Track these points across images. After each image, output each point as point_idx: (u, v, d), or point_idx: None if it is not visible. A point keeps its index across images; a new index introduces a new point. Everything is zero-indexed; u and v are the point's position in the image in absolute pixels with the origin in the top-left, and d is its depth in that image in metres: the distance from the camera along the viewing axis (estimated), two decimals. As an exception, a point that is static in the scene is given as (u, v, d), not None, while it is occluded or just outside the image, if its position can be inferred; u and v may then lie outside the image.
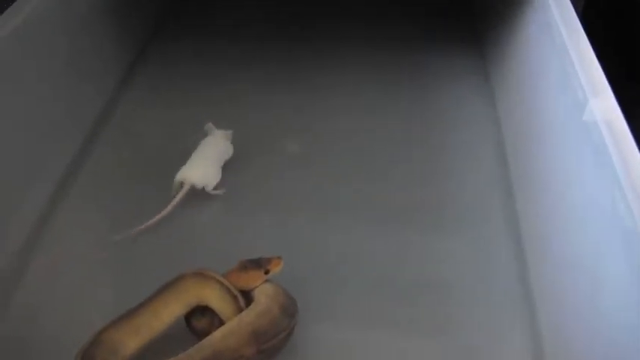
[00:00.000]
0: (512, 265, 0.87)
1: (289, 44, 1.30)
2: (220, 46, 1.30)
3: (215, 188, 0.96)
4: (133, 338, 0.71)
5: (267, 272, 0.75)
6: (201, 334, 0.72)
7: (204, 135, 1.02)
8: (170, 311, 0.73)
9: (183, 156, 0.98)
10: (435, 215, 0.95)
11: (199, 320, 0.74)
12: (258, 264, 0.75)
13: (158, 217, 0.91)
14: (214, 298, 0.73)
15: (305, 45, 1.30)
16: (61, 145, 1.01)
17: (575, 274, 0.72)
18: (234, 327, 0.70)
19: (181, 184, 0.93)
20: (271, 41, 1.30)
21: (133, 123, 1.12)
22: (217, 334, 0.70)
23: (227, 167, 1.00)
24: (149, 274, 0.80)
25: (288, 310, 0.73)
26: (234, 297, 0.73)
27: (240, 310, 0.72)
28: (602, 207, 0.66)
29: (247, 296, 0.74)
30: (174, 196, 0.92)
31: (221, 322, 0.72)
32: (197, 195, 0.94)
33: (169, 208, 0.91)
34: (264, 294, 0.73)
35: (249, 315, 0.71)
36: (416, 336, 0.79)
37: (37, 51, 0.95)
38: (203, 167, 0.96)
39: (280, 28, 1.35)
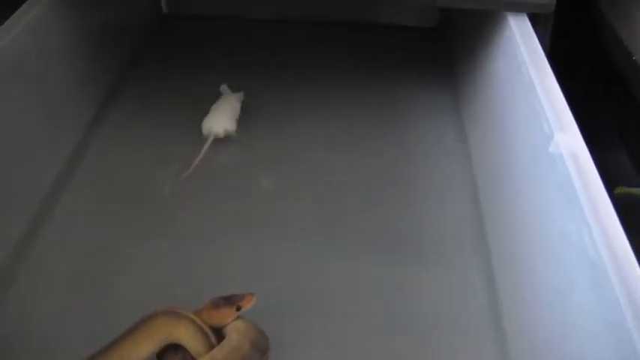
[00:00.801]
0: (483, 298, 0.88)
1: (263, 83, 1.31)
2: (194, 84, 1.31)
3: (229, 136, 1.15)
4: (104, 377, 0.72)
5: (238, 309, 0.75)
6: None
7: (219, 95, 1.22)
8: (142, 350, 0.73)
9: (156, 193, 1.02)
10: (407, 249, 0.96)
11: (171, 358, 0.74)
12: (230, 301, 0.75)
13: (196, 161, 1.08)
14: (186, 335, 0.73)
15: (280, 82, 1.31)
16: (35, 178, 1.02)
17: (545, 305, 0.73)
18: (206, 364, 0.70)
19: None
20: (246, 79, 1.30)
21: (106, 160, 1.12)
22: (188, 372, 0.70)
23: (203, 200, 1.03)
24: (131, 300, 0.81)
25: (260, 346, 0.73)
26: (206, 334, 0.73)
27: (211, 347, 0.72)
28: (570, 239, 0.67)
29: (219, 333, 0.74)
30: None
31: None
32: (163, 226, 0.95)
33: (202, 152, 1.10)
34: (235, 330, 0.74)
35: (220, 352, 0.71)
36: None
37: (8, 88, 0.96)
38: (224, 118, 1.15)
39: (256, 66, 1.36)
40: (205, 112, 1.17)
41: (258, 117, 1.22)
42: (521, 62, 0.90)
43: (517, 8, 1.01)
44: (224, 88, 1.23)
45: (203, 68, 1.37)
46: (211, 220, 1.01)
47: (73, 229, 0.99)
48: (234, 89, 1.23)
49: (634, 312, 0.54)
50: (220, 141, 1.14)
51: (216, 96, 1.22)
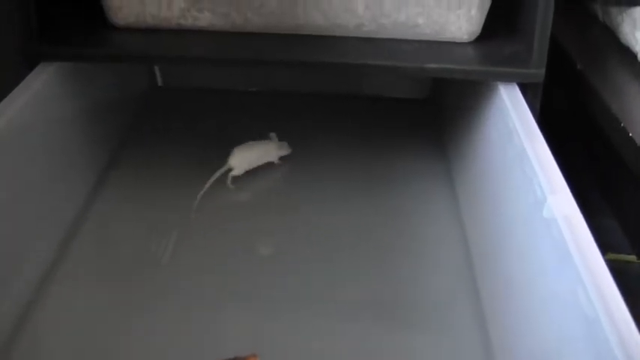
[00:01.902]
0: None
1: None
2: (189, 153, 1.34)
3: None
4: None
5: (243, 371, 0.76)
6: None
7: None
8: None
9: (154, 260, 1.04)
10: (401, 314, 0.97)
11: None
12: None
13: (207, 185, 1.17)
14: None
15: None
16: (36, 248, 1.02)
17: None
18: None
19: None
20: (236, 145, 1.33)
21: (106, 229, 1.14)
22: None
23: (201, 267, 1.04)
24: None
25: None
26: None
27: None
28: (565, 299, 0.68)
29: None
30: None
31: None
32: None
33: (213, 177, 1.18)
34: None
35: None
36: None
37: (9, 161, 0.97)
38: (248, 158, 1.24)
39: (249, 137, 1.38)
40: (201, 179, 1.20)
41: (254, 179, 1.25)
42: (513, 130, 0.92)
43: (508, 78, 1.03)
44: (272, 135, 1.29)
45: (198, 138, 1.39)
46: (210, 286, 1.02)
47: (72, 298, 0.99)
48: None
49: (631, 367, 0.55)
50: (219, 203, 1.18)
51: (211, 165, 1.24)
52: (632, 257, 1.27)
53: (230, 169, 1.21)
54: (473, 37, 1.10)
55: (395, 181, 1.27)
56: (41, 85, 1.05)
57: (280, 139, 1.31)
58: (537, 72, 1.02)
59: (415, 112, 1.51)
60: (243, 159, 1.23)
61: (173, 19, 1.10)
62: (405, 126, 1.44)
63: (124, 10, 1.10)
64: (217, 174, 1.19)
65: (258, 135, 1.32)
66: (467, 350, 0.92)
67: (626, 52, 1.18)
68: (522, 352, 0.81)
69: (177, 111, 1.51)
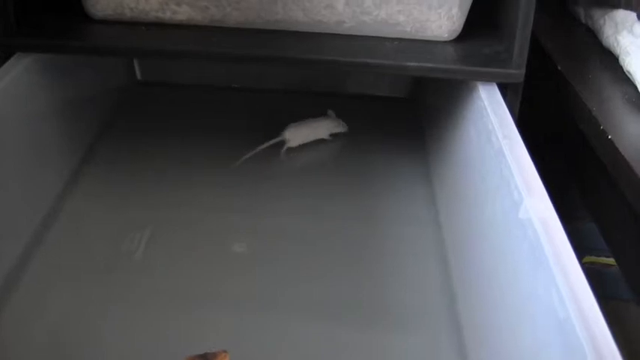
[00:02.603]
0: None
1: (236, 148, 1.32)
2: (167, 149, 1.33)
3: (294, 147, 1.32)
4: None
5: (214, 367, 0.75)
6: None
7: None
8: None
9: (128, 254, 1.03)
10: (376, 317, 0.97)
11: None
12: (205, 359, 0.75)
13: (250, 154, 1.26)
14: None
15: (253, 145, 1.32)
16: (7, 243, 1.02)
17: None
18: None
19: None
20: (219, 145, 1.33)
21: (79, 224, 1.13)
22: None
23: (176, 264, 1.02)
24: None
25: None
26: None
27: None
28: (538, 300, 0.68)
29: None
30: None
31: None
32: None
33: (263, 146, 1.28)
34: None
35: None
36: None
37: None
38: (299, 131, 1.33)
39: (230, 133, 1.38)
40: (179, 176, 1.20)
41: (228, 182, 1.24)
42: (491, 130, 0.92)
43: (487, 78, 1.03)
44: (330, 112, 1.37)
45: (176, 134, 1.38)
46: (182, 283, 1.01)
47: (43, 295, 0.98)
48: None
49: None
50: (195, 200, 1.18)
51: (187, 160, 1.24)
52: (611, 260, 1.27)
53: (283, 142, 1.31)
54: (454, 36, 1.10)
55: (373, 179, 1.27)
56: (15, 77, 1.04)
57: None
58: (517, 72, 1.02)
59: (395, 110, 1.51)
60: (296, 133, 1.32)
61: (151, 12, 1.09)
62: (385, 124, 1.44)
63: (102, 2, 1.08)
64: (269, 144, 1.29)
65: (235, 131, 1.32)
66: (441, 351, 0.92)
67: (608, 54, 1.18)
68: (496, 353, 0.81)
69: (156, 106, 1.50)
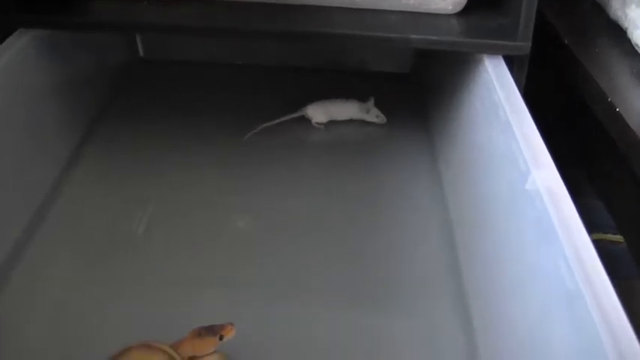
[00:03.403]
0: (460, 338, 0.89)
1: (238, 126, 1.31)
2: (169, 127, 1.32)
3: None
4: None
5: (221, 338, 0.75)
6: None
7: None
8: (116, 384, 0.72)
9: (130, 232, 1.02)
10: (381, 293, 0.97)
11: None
12: (212, 331, 0.75)
13: (267, 124, 1.28)
14: (161, 370, 0.73)
15: (254, 123, 1.31)
16: (8, 222, 1.01)
17: (523, 340, 0.73)
18: (181, 398, 0.70)
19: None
20: (222, 123, 1.32)
21: (81, 203, 1.12)
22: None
23: (177, 241, 1.02)
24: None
25: (235, 380, 0.73)
26: (181, 368, 0.72)
27: (187, 381, 0.72)
28: (546, 272, 0.67)
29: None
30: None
31: (168, 395, 0.72)
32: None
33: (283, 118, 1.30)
34: (210, 365, 0.73)
35: (196, 386, 0.71)
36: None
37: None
38: (329, 111, 1.34)
39: (231, 111, 1.37)
40: (182, 156, 1.20)
41: (231, 161, 1.23)
42: (498, 103, 0.91)
43: (493, 51, 1.02)
44: (371, 99, 1.35)
45: (178, 112, 1.37)
46: (185, 262, 1.01)
47: (46, 270, 0.98)
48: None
49: (613, 341, 0.54)
50: (198, 180, 1.16)
51: (190, 139, 1.24)
52: (619, 237, 1.26)
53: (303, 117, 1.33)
54: (458, 9, 1.08)
55: (376, 156, 1.26)
56: (16, 53, 1.03)
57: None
58: (523, 45, 1.00)
59: (398, 86, 1.50)
60: (318, 110, 1.33)
61: (153, -14, 1.08)
62: (388, 100, 1.42)
63: (103, -23, 1.07)
64: (289, 117, 1.32)
65: (238, 109, 1.32)
66: (447, 327, 0.91)
67: (615, 28, 1.16)
68: (504, 327, 0.80)
69: (158, 84, 1.49)
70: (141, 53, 1.57)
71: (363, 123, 1.35)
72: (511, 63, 1.01)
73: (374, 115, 1.35)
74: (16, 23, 1.06)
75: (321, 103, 1.34)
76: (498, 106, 0.91)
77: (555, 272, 0.64)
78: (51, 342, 0.87)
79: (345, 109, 1.35)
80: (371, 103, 1.34)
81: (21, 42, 1.04)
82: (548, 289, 0.66)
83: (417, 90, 1.48)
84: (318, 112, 1.33)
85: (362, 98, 1.35)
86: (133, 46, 1.56)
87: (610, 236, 1.29)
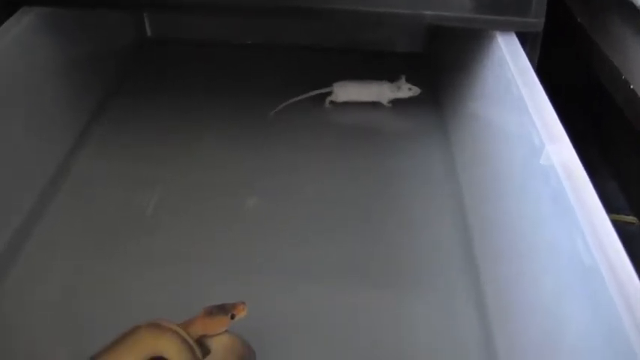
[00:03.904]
0: (473, 319, 0.88)
1: (247, 105, 1.31)
2: (177, 106, 1.31)
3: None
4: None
5: (232, 317, 0.74)
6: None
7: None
8: (124, 365, 0.71)
9: (138, 212, 1.01)
10: (395, 268, 0.96)
11: (155, 372, 0.73)
12: (224, 309, 0.74)
13: (292, 100, 1.27)
14: (170, 349, 0.72)
15: (265, 106, 1.30)
16: (17, 200, 1.00)
17: (537, 317, 0.72)
18: (191, 377, 0.69)
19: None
20: (230, 103, 1.31)
21: (88, 181, 1.11)
22: (174, 385, 0.68)
23: (187, 220, 1.01)
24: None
25: (246, 359, 0.72)
26: (191, 347, 0.71)
27: (197, 361, 0.71)
28: (561, 248, 0.66)
29: (204, 347, 0.72)
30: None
31: (177, 374, 0.71)
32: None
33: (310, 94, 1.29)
34: (221, 345, 0.72)
35: (206, 366, 0.70)
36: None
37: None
38: (355, 91, 1.32)
39: (240, 90, 1.36)
40: (191, 135, 1.20)
41: (240, 140, 1.22)
42: (510, 79, 0.90)
43: (506, 27, 1.00)
44: (402, 77, 1.32)
45: (187, 91, 1.36)
46: (194, 241, 1.00)
47: (53, 249, 0.97)
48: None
49: (631, 316, 0.53)
50: (207, 160, 1.16)
51: (199, 120, 1.24)
52: (633, 218, 1.25)
53: (330, 93, 1.32)
54: (471, -14, 1.07)
55: (389, 134, 1.26)
56: (21, 31, 1.02)
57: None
58: (536, 21, 0.99)
59: (410, 65, 1.48)
60: (344, 90, 1.32)
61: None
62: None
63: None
64: (317, 92, 1.31)
65: (248, 89, 1.31)
66: (460, 305, 0.90)
67: (628, 4, 1.14)
68: (517, 304, 0.79)
69: (166, 64, 1.48)
70: (149, 33, 1.56)
71: (376, 103, 1.34)
72: (524, 40, 0.99)
73: (406, 89, 1.32)
74: (19, 1, 1.04)
75: (350, 81, 1.32)
76: (511, 82, 0.89)
77: (571, 248, 0.63)
78: (60, 319, 0.86)
79: (374, 90, 1.33)
80: (402, 80, 1.32)
81: (24, 20, 1.03)
82: (564, 264, 0.65)
83: (429, 69, 1.46)
84: (343, 90, 1.32)
85: (375, 78, 1.34)
86: (140, 25, 1.55)
87: (623, 217, 1.27)
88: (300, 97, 1.28)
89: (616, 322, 0.53)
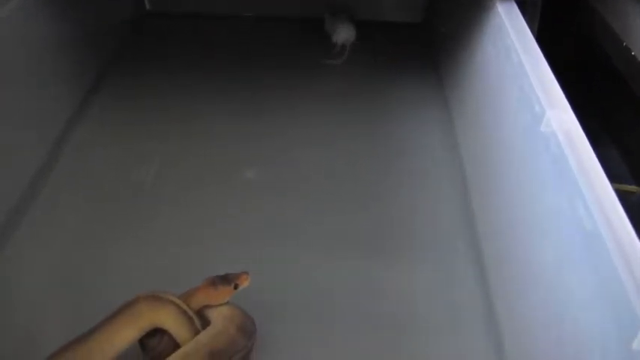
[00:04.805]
0: (474, 286, 0.88)
1: (245, 77, 1.30)
2: (175, 80, 1.30)
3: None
4: (85, 363, 0.69)
5: (236, 287, 0.73)
6: (157, 358, 0.70)
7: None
8: (124, 336, 0.71)
9: (138, 184, 1.02)
10: (394, 240, 0.96)
11: (154, 343, 0.72)
12: (227, 280, 0.74)
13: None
14: (170, 320, 0.71)
15: (262, 78, 1.30)
16: (17, 173, 1.00)
17: (539, 282, 0.72)
18: (192, 348, 0.69)
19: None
20: (228, 76, 1.30)
21: (86, 155, 1.11)
22: (174, 357, 0.68)
23: (184, 193, 1.02)
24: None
25: (246, 329, 0.72)
26: (190, 319, 0.71)
27: (196, 332, 0.70)
28: (562, 214, 0.65)
29: (204, 319, 0.72)
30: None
31: (177, 345, 0.70)
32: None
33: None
34: (221, 315, 0.72)
35: (205, 336, 0.70)
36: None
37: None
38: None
39: (239, 63, 1.35)
40: (189, 107, 1.19)
41: (239, 109, 1.22)
42: (510, 47, 0.89)
43: (506, -6, 0.99)
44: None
45: (184, 65, 1.36)
46: (193, 213, 1.00)
47: (53, 222, 0.97)
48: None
49: (633, 279, 0.52)
50: (205, 131, 1.16)
51: (198, 92, 1.23)
52: (634, 187, 1.24)
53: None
54: (470, -48, 1.06)
55: (387, 104, 1.25)
56: (20, 5, 1.01)
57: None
58: (536, -12, 0.98)
59: (410, 36, 1.48)
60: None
61: None
62: (399, 50, 1.41)
63: None
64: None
65: (247, 61, 1.30)
66: (461, 273, 0.90)
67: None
68: (518, 270, 0.79)
69: (165, 37, 1.47)
70: (147, 6, 1.55)
71: (379, 71, 1.34)
72: (524, 8, 0.98)
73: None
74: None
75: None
76: (510, 48, 0.89)
77: (573, 214, 0.62)
78: (60, 288, 0.87)
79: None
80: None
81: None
82: (566, 230, 0.65)
83: (428, 39, 1.46)
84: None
85: (376, 48, 1.37)
86: (139, -1, 1.54)
87: (625, 186, 1.26)
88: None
89: (618, 287, 0.52)
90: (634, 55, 0.94)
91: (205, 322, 0.72)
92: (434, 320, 0.84)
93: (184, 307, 0.71)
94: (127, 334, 0.71)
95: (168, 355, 0.69)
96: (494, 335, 0.81)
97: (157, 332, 0.72)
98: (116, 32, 1.42)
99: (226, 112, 1.21)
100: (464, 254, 0.93)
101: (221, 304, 0.73)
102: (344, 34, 1.36)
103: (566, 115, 0.72)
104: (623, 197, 1.26)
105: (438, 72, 1.33)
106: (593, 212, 0.59)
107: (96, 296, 0.84)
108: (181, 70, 1.33)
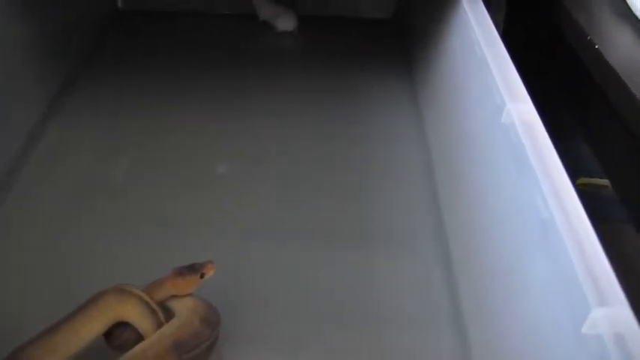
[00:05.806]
0: (440, 276, 0.89)
1: (219, 78, 1.30)
2: (147, 78, 1.30)
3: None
4: (50, 356, 0.69)
5: (202, 276, 0.74)
6: (121, 347, 0.70)
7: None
8: (89, 329, 0.71)
9: (110, 178, 1.03)
10: (363, 230, 0.97)
11: (119, 336, 0.73)
12: (194, 269, 0.74)
13: None
14: (134, 313, 0.72)
15: (237, 75, 1.31)
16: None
17: (500, 272, 0.73)
18: (155, 340, 0.69)
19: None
20: (201, 75, 1.31)
21: (59, 150, 1.11)
22: (138, 348, 0.68)
23: (158, 187, 1.02)
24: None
25: (210, 320, 0.72)
26: (154, 312, 0.71)
27: (160, 324, 0.71)
28: (522, 203, 0.67)
29: (168, 311, 0.73)
30: None
31: (141, 338, 0.71)
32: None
33: None
34: (184, 307, 0.73)
35: (169, 328, 0.70)
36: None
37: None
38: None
39: (211, 62, 1.36)
40: (163, 103, 1.21)
41: (214, 106, 1.22)
42: (475, 41, 0.90)
43: (469, -10, 1.01)
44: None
45: (157, 63, 1.36)
46: (167, 206, 1.00)
47: (27, 214, 0.98)
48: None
49: (585, 266, 0.53)
50: (179, 125, 1.17)
51: (171, 89, 1.24)
52: (605, 181, 1.25)
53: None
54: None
55: (357, 97, 1.26)
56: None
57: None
58: (499, -17, 0.99)
59: (380, 32, 1.49)
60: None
61: None
62: (370, 45, 1.42)
63: None
64: None
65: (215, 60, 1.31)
66: (428, 264, 0.92)
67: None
68: (483, 260, 0.80)
69: (137, 35, 1.47)
70: (120, 4, 1.55)
71: (349, 63, 1.35)
72: (489, 4, 1.00)
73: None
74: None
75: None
76: (474, 43, 0.90)
77: (531, 203, 0.63)
78: (32, 284, 0.87)
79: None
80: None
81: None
82: (525, 220, 0.66)
83: (398, 34, 1.47)
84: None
85: (348, 42, 1.38)
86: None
87: (597, 180, 1.28)
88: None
89: (572, 274, 0.53)
90: (597, 49, 0.95)
91: (169, 314, 0.72)
92: (401, 309, 0.85)
93: (147, 299, 0.72)
94: (92, 327, 0.71)
95: (133, 344, 0.70)
96: (460, 327, 0.82)
97: (121, 325, 0.72)
98: (89, 30, 1.42)
99: (198, 107, 1.22)
100: (430, 242, 0.95)
101: (185, 296, 0.74)
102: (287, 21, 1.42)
103: (526, 106, 0.73)
104: (595, 191, 1.27)
105: (408, 65, 1.35)
106: (549, 200, 0.60)
107: (67, 287, 0.85)
108: (153, 68, 1.33)
